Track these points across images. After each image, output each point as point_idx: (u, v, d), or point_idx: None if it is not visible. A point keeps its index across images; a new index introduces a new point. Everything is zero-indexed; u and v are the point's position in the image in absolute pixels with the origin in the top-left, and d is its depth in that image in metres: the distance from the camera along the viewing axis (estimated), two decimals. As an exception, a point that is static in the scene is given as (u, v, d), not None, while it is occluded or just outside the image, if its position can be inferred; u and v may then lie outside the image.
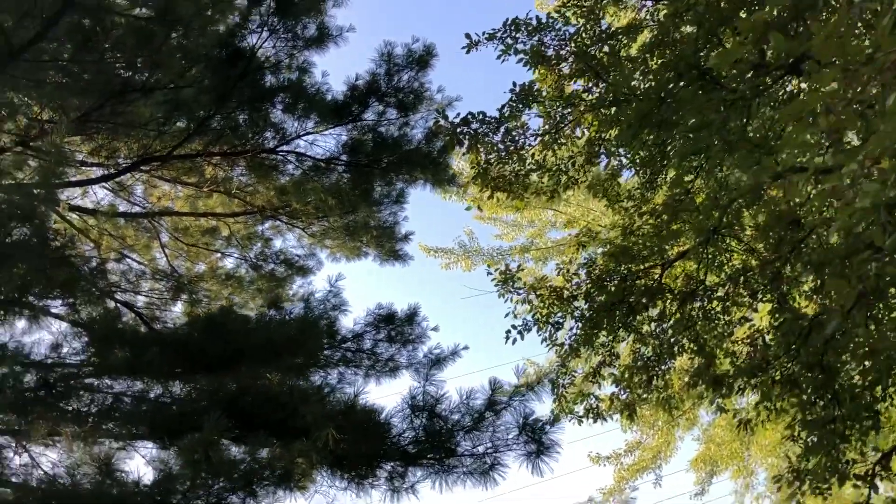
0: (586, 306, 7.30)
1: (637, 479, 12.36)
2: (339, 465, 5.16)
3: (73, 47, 6.77)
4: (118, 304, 8.52)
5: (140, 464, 5.36)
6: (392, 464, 5.26)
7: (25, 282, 5.67)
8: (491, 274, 8.08)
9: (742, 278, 6.73)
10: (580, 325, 7.45)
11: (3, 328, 5.92)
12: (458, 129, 6.61)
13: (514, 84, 6.54)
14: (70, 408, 5.66)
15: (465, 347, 6.31)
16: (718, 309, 7.00)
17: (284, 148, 8.34)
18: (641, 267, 7.32)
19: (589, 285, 7.24)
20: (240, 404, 5.28)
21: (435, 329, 6.94)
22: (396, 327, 7.00)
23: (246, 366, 5.92)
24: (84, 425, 5.68)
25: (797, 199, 6.65)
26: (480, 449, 4.94)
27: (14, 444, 5.74)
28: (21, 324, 6.76)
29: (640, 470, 12.35)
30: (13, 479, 5.60)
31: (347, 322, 6.84)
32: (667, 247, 7.19)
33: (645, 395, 7.54)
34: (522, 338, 7.52)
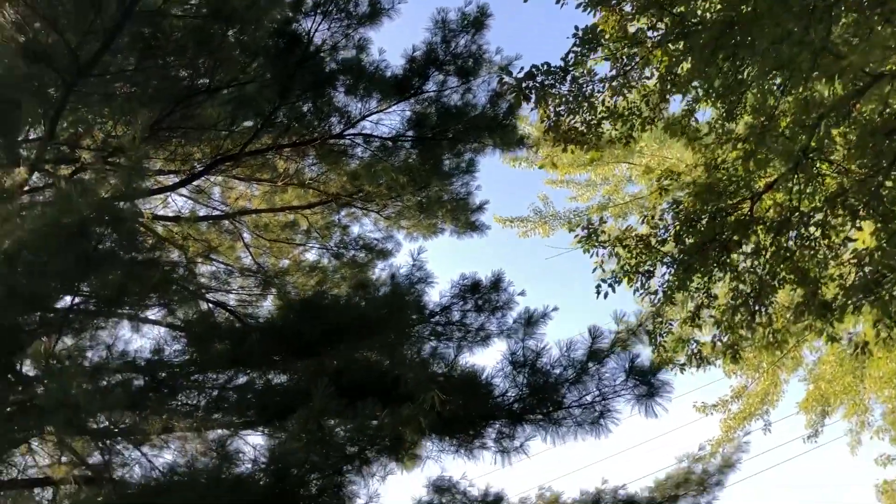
0: (676, 250, 7.07)
1: (745, 427, 12.00)
2: (446, 429, 5.13)
3: (136, 57, 6.92)
4: (210, 305, 8.72)
5: (251, 451, 5.44)
6: (499, 423, 5.21)
7: (121, 287, 5.80)
8: (573, 231, 7.93)
9: (839, 199, 6.39)
10: (672, 270, 7.23)
11: (108, 332, 6.10)
12: (524, 85, 6.45)
13: (577, 28, 6.35)
14: (178, 403, 5.80)
15: (555, 308, 6.17)
16: (817, 234, 6.66)
17: (351, 131, 8.35)
18: (729, 202, 7.04)
19: (677, 227, 7.00)
20: (341, 381, 5.30)
21: (522, 294, 6.83)
22: (483, 296, 6.91)
23: (342, 345, 5.96)
24: (194, 418, 5.83)
25: (889, 110, 6.28)
26: (588, 398, 4.83)
27: (130, 445, 5.93)
28: (124, 333, 6.99)
29: (748, 416, 11.98)
30: (133, 478, 5.80)
31: (433, 296, 6.80)
32: (754, 178, 6.88)
33: (747, 335, 7.27)
34: (614, 290, 7.34)
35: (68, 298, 5.60)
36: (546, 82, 6.43)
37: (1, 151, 6.81)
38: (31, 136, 7.51)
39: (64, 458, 7.36)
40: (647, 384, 4.63)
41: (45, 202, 6.71)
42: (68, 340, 5.78)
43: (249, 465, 4.56)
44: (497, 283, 6.88)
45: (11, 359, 5.04)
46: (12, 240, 5.08)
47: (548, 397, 4.95)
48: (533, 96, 6.46)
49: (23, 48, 6.67)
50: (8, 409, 5.49)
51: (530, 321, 6.09)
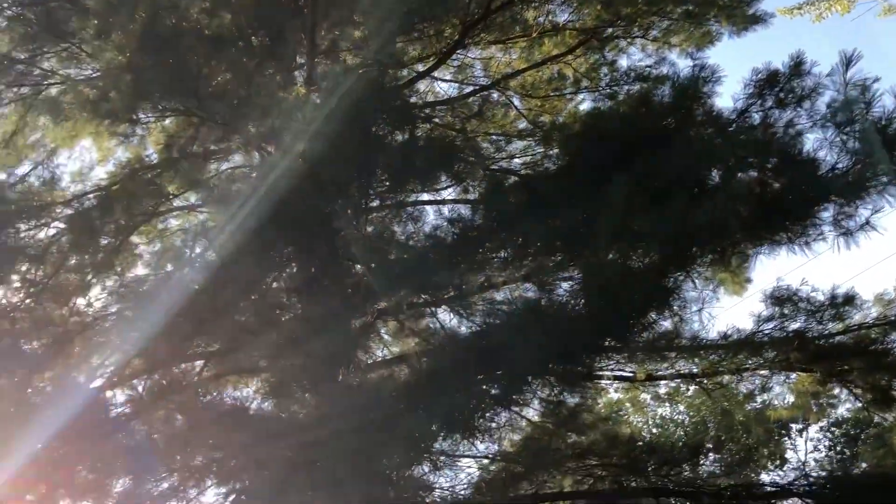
0: None
1: None
2: (773, 220, 4.57)
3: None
4: (498, 173, 8.78)
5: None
6: (833, 202, 4.53)
7: (406, 162, 5.90)
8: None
9: None
10: None
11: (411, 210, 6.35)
12: None
13: None
14: (488, 259, 5.87)
15: (876, 79, 5.16)
16: None
17: (587, -51, 7.72)
18: None
19: None
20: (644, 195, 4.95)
21: (829, 75, 5.82)
22: (783, 86, 6.01)
23: (634, 164, 5.59)
24: (506, 272, 5.89)
25: None
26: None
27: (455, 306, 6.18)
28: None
29: None
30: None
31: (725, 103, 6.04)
32: None
33: None
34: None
35: (364, 182, 5.87)
36: None
37: (276, 73, 7.30)
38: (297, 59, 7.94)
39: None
40: None
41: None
42: (374, 222, 6.12)
43: (566, 294, 4.46)
44: (798, 66, 5.90)
45: (333, 244, 5.41)
46: (304, 138, 5.40)
47: (891, 154, 4.16)
48: None
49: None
50: (347, 293, 5.97)
51: (848, 103, 5.18)
